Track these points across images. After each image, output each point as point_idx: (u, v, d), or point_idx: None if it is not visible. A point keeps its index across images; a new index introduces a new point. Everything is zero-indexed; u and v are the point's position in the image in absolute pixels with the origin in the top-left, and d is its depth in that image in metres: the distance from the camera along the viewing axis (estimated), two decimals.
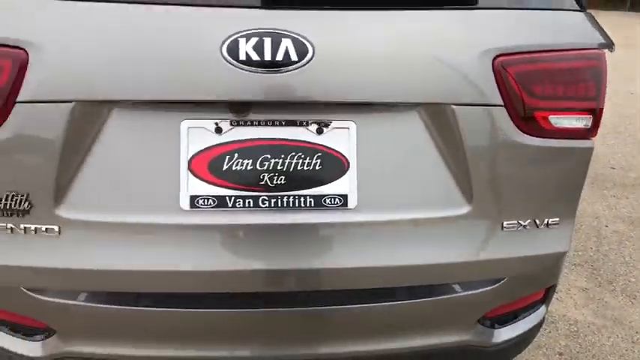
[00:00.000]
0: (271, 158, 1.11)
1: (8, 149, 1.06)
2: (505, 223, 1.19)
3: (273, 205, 1.11)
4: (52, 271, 1.12)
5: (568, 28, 1.18)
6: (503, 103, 1.12)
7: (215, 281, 1.14)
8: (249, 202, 1.10)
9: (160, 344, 1.24)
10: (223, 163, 1.10)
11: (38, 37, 1.02)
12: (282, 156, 1.11)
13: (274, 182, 1.11)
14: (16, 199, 1.08)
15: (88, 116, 1.06)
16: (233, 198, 1.10)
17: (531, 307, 1.42)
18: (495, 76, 1.10)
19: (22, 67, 1.01)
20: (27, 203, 1.08)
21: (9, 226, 1.10)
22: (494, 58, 1.10)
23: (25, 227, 1.10)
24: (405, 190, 1.16)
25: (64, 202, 1.09)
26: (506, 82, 1.10)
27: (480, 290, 1.26)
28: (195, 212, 1.10)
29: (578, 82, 1.15)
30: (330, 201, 1.13)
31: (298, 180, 1.12)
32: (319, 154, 1.12)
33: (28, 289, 1.17)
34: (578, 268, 2.65)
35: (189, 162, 1.09)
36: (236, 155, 1.10)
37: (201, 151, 1.10)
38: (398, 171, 1.15)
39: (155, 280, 1.13)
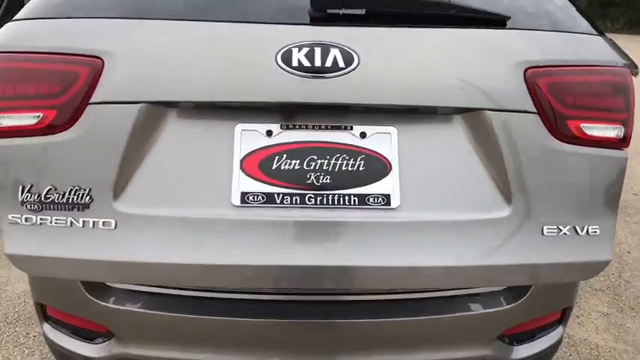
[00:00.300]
0: (317, 159, 1.17)
1: (77, 146, 1.14)
2: (545, 228, 1.21)
3: (318, 202, 1.16)
4: (108, 264, 1.16)
5: (590, 48, 1.25)
6: (536, 111, 1.18)
7: (261, 275, 1.18)
8: (296, 200, 1.16)
9: (209, 350, 1.31)
10: (272, 163, 1.16)
11: (114, 47, 1.13)
12: (328, 157, 1.17)
13: (320, 181, 1.17)
14: (78, 194, 1.14)
15: (153, 117, 1.15)
16: (281, 195, 1.16)
17: (549, 327, 1.46)
18: (527, 86, 1.18)
19: (97, 74, 1.12)
20: (88, 197, 1.14)
21: (69, 219, 1.15)
22: (525, 70, 1.18)
23: (83, 221, 1.15)
24: (447, 192, 1.20)
25: (122, 196, 1.15)
26: (537, 92, 1.18)
27: (501, 308, 1.30)
28: (245, 208, 1.15)
29: (605, 95, 1.21)
30: (374, 200, 1.17)
31: (343, 179, 1.17)
32: (362, 156, 1.18)
33: (91, 295, 1.25)
34: (600, 293, 2.66)
35: (242, 161, 1.16)
36: (285, 156, 1.17)
37: (252, 151, 1.17)
38: (439, 174, 1.20)
39: (204, 272, 1.17)
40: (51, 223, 1.15)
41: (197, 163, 1.18)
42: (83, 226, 1.15)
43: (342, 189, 1.17)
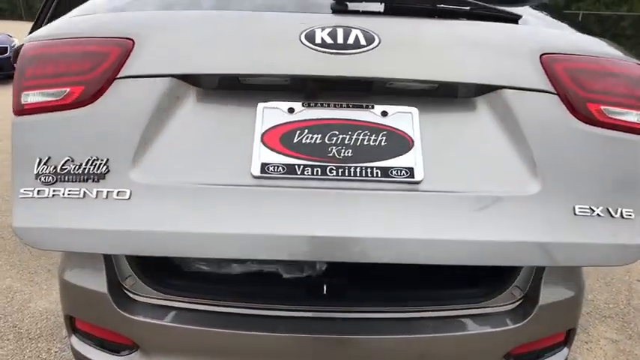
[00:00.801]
0: (339, 134, 1.16)
1: (100, 118, 1.14)
2: (577, 208, 1.17)
3: (340, 174, 1.14)
4: (120, 234, 1.12)
5: (600, 46, 1.29)
6: (556, 92, 1.19)
7: (280, 245, 1.12)
8: (317, 171, 1.14)
9: None
10: (294, 137, 1.16)
11: (145, 29, 1.17)
12: (350, 132, 1.16)
13: (342, 154, 1.15)
14: (95, 164, 1.13)
15: (177, 93, 1.16)
16: (302, 166, 1.14)
17: (554, 348, 1.46)
18: (544, 69, 1.19)
19: (127, 52, 1.15)
20: (105, 167, 1.13)
21: (82, 190, 1.12)
22: (541, 56, 1.20)
23: (97, 191, 1.12)
24: (472, 169, 1.18)
25: (139, 167, 1.14)
26: (554, 75, 1.19)
27: (507, 327, 1.32)
28: (265, 178, 1.13)
29: (622, 83, 1.21)
30: (397, 172, 1.15)
31: (365, 153, 1.15)
32: (384, 132, 1.17)
33: (119, 307, 1.28)
34: (609, 320, 2.63)
35: (262, 135, 1.16)
36: (306, 131, 1.16)
37: (274, 126, 1.16)
38: (462, 152, 1.19)
39: (221, 241, 1.13)
40: (63, 195, 1.13)
41: (217, 137, 1.17)
42: (96, 196, 1.12)
43: (365, 162, 1.15)
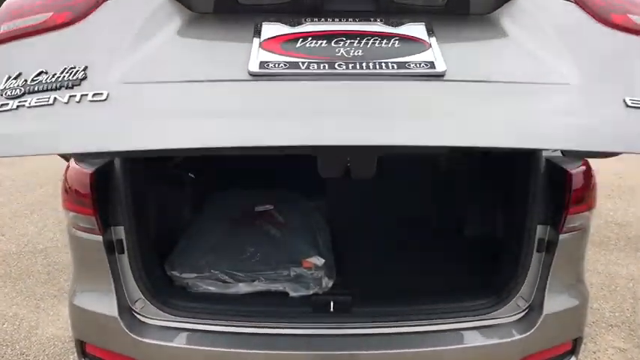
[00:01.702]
0: (347, 40, 1.07)
1: (86, 33, 1.12)
2: (628, 100, 1.05)
3: (350, 67, 1.02)
4: (100, 136, 1.01)
5: None
6: (574, 1, 1.16)
7: (283, 131, 0.99)
8: (324, 66, 1.02)
9: None
10: (296, 43, 1.08)
11: None
12: (358, 38, 1.08)
13: (351, 54, 1.05)
14: (72, 72, 1.05)
15: (171, 10, 1.15)
16: (307, 63, 1.03)
17: (562, 357, 1.47)
18: None
19: None
20: (82, 74, 1.05)
21: (52, 97, 1.02)
22: None
23: (70, 96, 1.02)
24: (500, 63, 1.12)
25: (121, 70, 1.05)
26: None
27: (514, 338, 1.33)
28: (263, 74, 1.02)
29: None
30: (416, 65, 1.04)
31: (377, 52, 1.05)
32: (396, 38, 1.10)
33: (129, 331, 1.35)
34: (615, 328, 2.54)
35: (262, 43, 1.08)
36: (310, 38, 1.08)
37: (274, 36, 1.10)
38: (485, 51, 1.14)
39: (208, 134, 1.00)
40: (29, 104, 1.02)
41: (211, 47, 1.13)
42: (68, 101, 1.01)
43: (378, 59, 1.04)
